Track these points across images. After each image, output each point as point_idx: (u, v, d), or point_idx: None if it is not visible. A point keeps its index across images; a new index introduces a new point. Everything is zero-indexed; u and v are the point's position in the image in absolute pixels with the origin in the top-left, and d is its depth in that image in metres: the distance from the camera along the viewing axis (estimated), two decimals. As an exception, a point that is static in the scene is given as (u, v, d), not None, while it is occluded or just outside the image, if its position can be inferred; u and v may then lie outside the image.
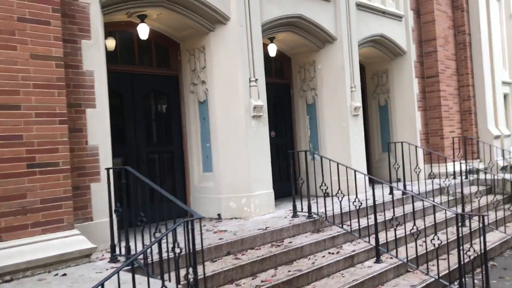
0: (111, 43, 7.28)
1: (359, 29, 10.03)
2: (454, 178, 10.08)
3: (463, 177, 10.67)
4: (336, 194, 6.81)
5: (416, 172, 9.16)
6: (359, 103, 9.64)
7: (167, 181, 7.90)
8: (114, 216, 5.07)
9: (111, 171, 5.09)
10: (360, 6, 10.10)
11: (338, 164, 6.91)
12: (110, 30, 7.20)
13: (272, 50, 9.28)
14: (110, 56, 7.22)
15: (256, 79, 7.58)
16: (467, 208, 9.20)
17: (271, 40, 9.24)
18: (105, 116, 5.76)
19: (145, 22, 7.21)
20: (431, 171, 9.67)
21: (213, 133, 7.62)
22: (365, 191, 7.66)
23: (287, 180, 8.62)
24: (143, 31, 7.17)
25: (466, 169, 10.76)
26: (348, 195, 7.40)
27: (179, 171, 7.98)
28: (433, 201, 8.54)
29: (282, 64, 10.14)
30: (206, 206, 7.67)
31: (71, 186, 5.01)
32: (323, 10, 9.15)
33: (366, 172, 9.75)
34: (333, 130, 9.60)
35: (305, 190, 7.93)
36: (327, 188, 6.83)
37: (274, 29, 8.58)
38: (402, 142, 9.46)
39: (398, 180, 9.86)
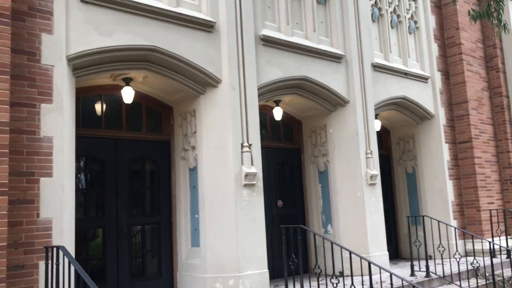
0: (97, 107, 6.95)
1: (376, 91, 9.31)
2: (492, 257, 8.74)
3: (503, 257, 9.31)
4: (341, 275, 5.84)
5: (439, 251, 7.96)
6: (376, 171, 8.72)
7: (151, 256, 7.20)
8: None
9: (55, 249, 4.49)
10: (377, 67, 9.43)
11: (350, 253, 5.95)
12: (96, 93, 6.90)
13: (278, 113, 8.68)
14: (95, 121, 6.89)
15: (250, 145, 6.95)
16: (505, 296, 7.85)
17: (277, 103, 8.67)
18: (64, 186, 5.23)
19: (130, 86, 6.84)
20: (465, 247, 8.46)
21: (201, 203, 6.94)
22: (379, 272, 6.58)
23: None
24: (127, 95, 6.80)
25: (507, 246, 9.39)
26: (362, 276, 6.37)
27: (166, 244, 7.27)
28: (460, 286, 7.34)
29: (292, 128, 9.49)
30: (192, 287, 6.85)
31: (5, 266, 4.41)
32: (332, 71, 8.55)
33: (386, 249, 8.68)
34: (346, 200, 8.67)
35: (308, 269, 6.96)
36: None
37: (277, 92, 8.02)
38: (423, 216, 8.36)
39: (429, 258, 8.68)
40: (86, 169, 6.83)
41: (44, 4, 5.31)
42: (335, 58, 8.62)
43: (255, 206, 6.86)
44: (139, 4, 6.13)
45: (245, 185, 6.77)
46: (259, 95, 7.46)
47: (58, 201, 5.15)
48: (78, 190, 6.44)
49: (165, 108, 7.53)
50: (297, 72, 7.98)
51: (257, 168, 6.95)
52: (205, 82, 6.90)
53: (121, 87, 6.83)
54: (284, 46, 7.83)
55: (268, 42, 7.60)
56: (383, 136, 11.32)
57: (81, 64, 5.76)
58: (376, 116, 10.31)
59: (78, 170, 6.55)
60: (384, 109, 9.89)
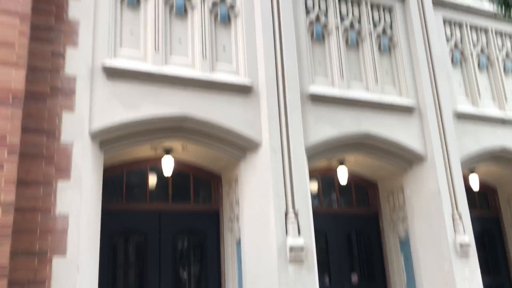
0: (141, 179, 6.90)
1: (463, 143, 7.98)
2: None
3: None
4: None
5: None
6: (467, 238, 7.26)
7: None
8: None
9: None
10: (462, 116, 8.16)
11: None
12: (140, 166, 6.90)
13: (343, 175, 7.84)
14: (139, 194, 6.81)
15: (297, 213, 6.23)
16: None
17: (342, 162, 7.86)
18: (80, 265, 5.04)
19: (171, 155, 6.70)
20: None
21: (245, 280, 6.29)
22: None
23: None
24: (167, 165, 6.66)
25: None
26: None
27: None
28: None
29: (366, 190, 8.50)
30: None
31: None
32: (402, 124, 7.56)
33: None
34: (431, 275, 7.30)
35: None
36: None
37: (334, 151, 7.28)
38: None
39: None
40: (127, 244, 6.69)
41: (67, 83, 5.48)
42: (405, 109, 7.64)
43: (304, 285, 6.00)
44: (168, 75, 6.06)
45: (291, 261, 5.99)
46: (309, 157, 6.80)
47: (71, 282, 4.96)
48: (114, 267, 6.28)
49: (213, 176, 7.23)
50: (356, 128, 7.18)
51: (306, 240, 6.15)
52: (244, 146, 6.49)
53: (159, 158, 6.71)
54: (338, 102, 7.15)
55: (318, 98, 7.01)
56: (489, 195, 9.64)
57: (108, 138, 5.76)
58: (473, 170, 8.88)
59: (116, 246, 6.43)
60: (479, 163, 8.42)
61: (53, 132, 5.27)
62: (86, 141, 5.44)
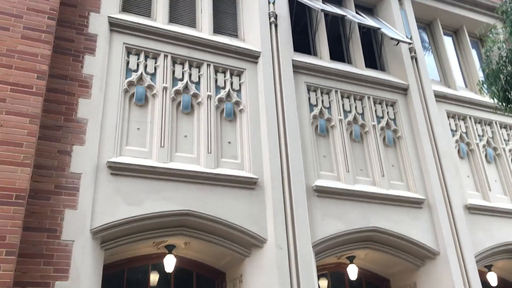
0: (143, 278, 6.66)
1: (477, 238, 7.75)
2: None
3: None
4: None
5: None
6: None
7: None
8: None
9: None
10: (473, 209, 7.99)
11: None
12: (142, 263, 6.69)
13: (353, 272, 7.54)
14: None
15: (305, 315, 5.90)
16: None
17: (351, 260, 7.59)
18: None
19: (173, 253, 6.52)
20: None
21: None
22: None
23: None
24: (169, 263, 6.45)
25: None
26: None
27: None
28: None
29: (379, 287, 8.12)
30: None
31: None
32: (411, 218, 7.39)
33: None
34: None
35: None
36: None
37: (343, 247, 7.05)
38: None
39: None
40: None
41: (71, 181, 5.50)
42: (414, 203, 7.51)
43: None
44: (171, 170, 6.10)
45: None
46: (317, 253, 6.60)
47: None
48: None
49: (217, 274, 6.98)
50: (364, 223, 7.02)
51: None
52: (248, 243, 6.32)
53: (161, 255, 6.54)
54: (344, 196, 7.07)
55: (324, 192, 6.94)
56: (509, 292, 9.13)
57: (109, 236, 5.66)
58: (490, 268, 8.50)
59: None
60: (494, 259, 8.08)
61: (54, 231, 5.20)
62: (87, 239, 5.34)
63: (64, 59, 6.13)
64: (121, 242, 5.81)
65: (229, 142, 6.83)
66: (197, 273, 6.94)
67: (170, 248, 6.51)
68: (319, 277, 7.67)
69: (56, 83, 5.93)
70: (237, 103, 7.10)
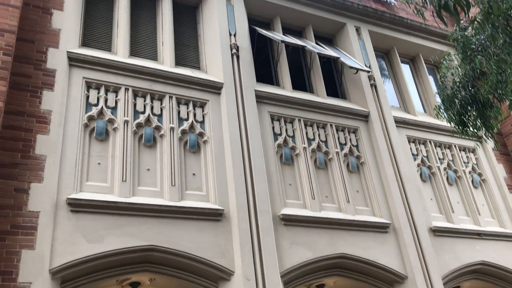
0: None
1: (443, 260, 7.83)
2: None
3: None
4: None
5: None
6: None
7: None
8: None
9: None
10: (438, 232, 8.11)
11: None
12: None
13: (323, 301, 7.47)
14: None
15: None
16: None
17: (321, 287, 7.53)
18: None
19: (136, 290, 6.34)
20: None
21: None
22: None
23: None
24: (134, 301, 6.24)
25: None
26: None
27: None
28: None
29: (349, 316, 8.05)
30: None
31: None
32: (378, 243, 7.43)
33: None
34: None
35: None
36: None
37: (312, 275, 6.98)
38: None
39: None
40: None
41: (29, 220, 5.31)
42: (379, 228, 7.58)
43: None
44: (134, 205, 5.98)
45: None
46: (286, 283, 6.53)
47: None
48: None
49: (185, 310, 6.78)
50: (331, 250, 7.01)
51: None
52: (216, 276, 6.19)
53: (127, 293, 6.34)
54: (311, 223, 7.07)
55: (291, 221, 6.92)
56: (478, 313, 9.21)
57: (69, 276, 5.45)
58: (458, 289, 8.59)
59: None
60: (461, 280, 8.17)
61: (10, 273, 4.98)
62: (46, 281, 5.13)
63: (21, 95, 6.01)
64: (82, 281, 5.60)
65: (194, 174, 6.77)
66: (163, 310, 6.72)
67: (134, 286, 6.32)
68: (289, 307, 7.59)
69: (13, 119, 5.79)
70: (201, 134, 7.09)
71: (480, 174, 9.54)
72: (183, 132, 6.98)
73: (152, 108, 6.94)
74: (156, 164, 6.58)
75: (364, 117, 8.74)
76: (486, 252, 8.37)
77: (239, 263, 6.17)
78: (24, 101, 5.97)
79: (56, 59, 6.48)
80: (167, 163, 6.57)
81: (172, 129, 6.86)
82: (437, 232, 8.09)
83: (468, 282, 8.45)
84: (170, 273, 6.11)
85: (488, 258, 8.33)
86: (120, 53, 7.27)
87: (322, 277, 7.18)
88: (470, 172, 9.42)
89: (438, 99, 8.66)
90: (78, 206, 5.67)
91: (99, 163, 6.21)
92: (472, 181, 9.34)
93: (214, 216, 6.42)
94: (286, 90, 8.42)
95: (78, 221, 5.61)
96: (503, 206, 9.27)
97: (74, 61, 6.65)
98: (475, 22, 5.24)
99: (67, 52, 6.61)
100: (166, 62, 7.59)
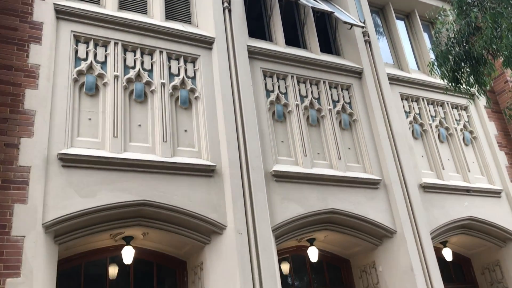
0: (101, 271, 6.53)
1: (432, 215, 7.99)
2: None
3: None
4: None
5: None
6: (444, 314, 7.03)
7: None
8: None
9: None
10: (428, 188, 8.22)
11: None
12: (100, 256, 6.58)
13: (313, 254, 7.64)
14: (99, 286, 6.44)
15: (266, 299, 5.94)
16: None
17: (311, 242, 7.68)
18: None
19: (131, 245, 6.42)
20: None
21: None
22: None
23: None
24: (127, 255, 6.32)
25: None
26: None
27: None
28: None
29: (339, 268, 8.27)
30: None
31: None
32: (368, 199, 7.53)
33: None
34: None
35: None
36: None
37: (303, 230, 7.11)
38: None
39: None
40: None
41: (20, 175, 5.31)
42: (370, 184, 7.66)
43: None
44: (126, 160, 5.97)
45: None
46: (277, 237, 6.65)
47: None
48: None
49: (178, 263, 6.93)
50: (322, 206, 7.10)
51: (276, 328, 5.82)
52: (208, 230, 6.28)
53: (120, 247, 6.43)
54: (303, 180, 7.12)
55: (282, 177, 6.97)
56: (463, 266, 9.50)
57: (62, 230, 5.50)
58: (445, 244, 8.80)
59: None
60: (449, 235, 8.37)
61: (3, 226, 5.01)
62: (39, 234, 5.18)
63: (7, 49, 5.88)
64: (75, 235, 5.66)
65: (185, 130, 6.75)
66: (157, 263, 6.86)
67: (128, 240, 6.41)
68: (280, 260, 7.77)
69: (0, 73, 5.68)
70: (192, 91, 7.02)
71: (471, 132, 9.59)
72: (174, 88, 6.90)
73: (142, 63, 6.83)
74: (148, 120, 6.53)
75: (358, 74, 8.67)
76: (474, 208, 8.53)
77: (231, 218, 6.25)
78: (11, 54, 5.85)
79: (42, 12, 6.31)
80: (159, 119, 6.53)
81: (163, 84, 6.77)
82: (426, 188, 8.20)
83: (456, 236, 8.66)
84: (163, 227, 6.19)
85: (476, 213, 8.49)
86: (109, 6, 7.09)
87: (312, 232, 7.31)
88: (461, 130, 9.47)
89: (432, 56, 8.58)
90: (69, 161, 5.66)
91: (89, 119, 6.16)
92: (463, 138, 9.40)
93: (206, 172, 6.44)
94: (279, 45, 8.30)
95: (70, 176, 5.62)
96: (493, 163, 9.37)
97: (62, 13, 6.48)
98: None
99: (54, 4, 6.43)
100: (156, 15, 7.42)
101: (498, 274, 9.02)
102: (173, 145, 6.48)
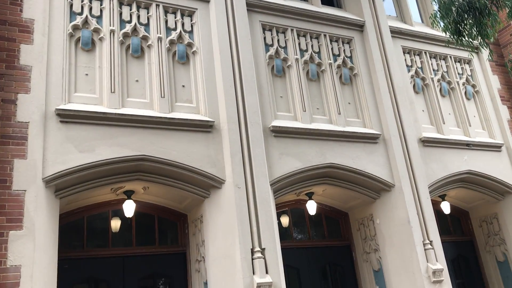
0: (103, 224, 6.70)
1: (430, 169, 8.03)
2: None
3: None
4: None
5: None
6: (440, 265, 7.19)
7: None
8: None
9: None
10: (428, 142, 8.22)
11: None
12: (102, 210, 6.73)
13: (312, 207, 7.76)
14: (102, 239, 6.61)
15: (263, 249, 6.09)
16: None
17: (310, 196, 7.80)
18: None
19: (132, 199, 6.55)
20: None
21: (213, 324, 6.08)
22: None
23: None
24: (128, 209, 6.48)
25: None
26: None
27: None
28: None
29: (338, 221, 8.42)
30: None
31: None
32: (367, 153, 7.56)
33: None
34: (406, 304, 7.17)
35: None
36: None
37: (301, 184, 7.19)
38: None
39: None
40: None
41: (18, 130, 5.35)
42: (369, 139, 7.67)
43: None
44: (124, 116, 5.98)
45: (259, 300, 5.82)
46: (275, 191, 6.75)
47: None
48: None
49: (179, 217, 7.08)
50: (320, 160, 7.15)
51: (275, 278, 5.99)
52: (207, 184, 6.37)
53: (122, 201, 6.55)
54: (301, 135, 7.14)
55: (281, 132, 6.99)
56: (462, 219, 9.65)
57: (63, 184, 5.59)
58: (444, 198, 8.90)
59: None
60: (447, 188, 8.44)
61: (4, 181, 5.11)
62: (40, 188, 5.28)
63: (1, 2, 5.79)
64: (76, 189, 5.76)
65: (183, 86, 6.72)
66: (158, 216, 7.01)
67: (129, 194, 6.53)
68: (280, 214, 7.93)
69: (-5, 29, 5.63)
70: (190, 45, 6.93)
71: (473, 86, 9.49)
72: (171, 42, 6.82)
73: (138, 17, 6.72)
74: (145, 75, 6.50)
75: (359, 27, 8.51)
76: (473, 162, 8.56)
77: (230, 172, 6.32)
78: (4, 8, 5.77)
79: (35, -36, 6.16)
80: (156, 74, 6.49)
81: (159, 39, 6.69)
82: (426, 142, 8.21)
83: (454, 190, 8.74)
84: (162, 181, 6.27)
85: (475, 167, 8.52)
86: (103, -43, 6.90)
87: (311, 186, 7.39)
88: (463, 84, 9.37)
89: (436, 7, 8.37)
90: (67, 117, 5.69)
91: (86, 74, 6.14)
92: (465, 92, 9.32)
93: (205, 127, 6.46)
94: (278, -2, 8.11)
95: (68, 131, 5.66)
96: (494, 117, 9.33)
97: (55, -34, 6.33)
98: None
99: (47, -44, 6.27)
100: (151, -33, 7.23)
101: (495, 227, 9.15)
102: (171, 101, 6.47)
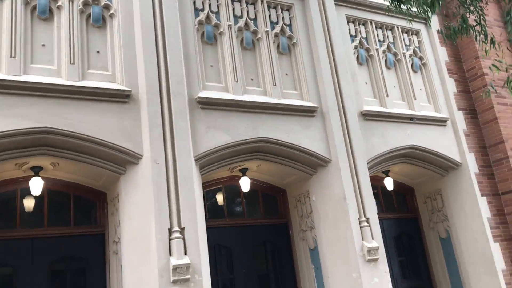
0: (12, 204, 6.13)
1: (371, 144, 7.71)
2: None
3: None
4: None
5: None
6: (376, 243, 6.92)
7: None
8: None
9: None
10: (369, 116, 7.88)
11: None
12: (15, 187, 6.12)
13: (245, 184, 7.35)
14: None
15: (183, 229, 5.65)
16: None
17: (243, 172, 7.38)
18: None
19: (39, 176, 5.98)
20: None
21: (127, 309, 5.66)
22: None
23: None
24: (35, 187, 5.92)
25: None
26: None
27: None
28: None
29: (275, 198, 8.06)
30: None
31: None
32: (303, 127, 7.16)
33: None
34: (340, 284, 6.90)
35: None
36: None
37: (231, 159, 6.74)
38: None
39: None
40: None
41: None
42: (306, 112, 7.26)
43: (193, 307, 5.44)
44: (25, 83, 5.38)
45: (174, 281, 5.41)
46: (202, 166, 6.30)
47: None
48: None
49: (98, 195, 6.58)
50: (252, 134, 6.71)
51: (193, 258, 5.58)
52: (122, 160, 5.86)
53: (30, 178, 5.99)
54: (232, 107, 6.67)
55: (209, 104, 6.49)
56: (407, 196, 9.45)
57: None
58: (387, 173, 8.64)
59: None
60: (389, 164, 8.17)
61: None
62: None
63: None
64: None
65: (98, 52, 6.12)
66: (74, 195, 6.47)
67: (36, 170, 5.96)
68: (215, 191, 7.52)
69: None
70: (107, 7, 6.31)
71: (421, 58, 9.17)
72: (86, 3, 6.19)
73: (46, -26, 6.05)
74: (53, 40, 5.87)
75: (300, -7, 8.02)
76: (417, 136, 8.28)
77: (148, 147, 5.82)
78: None
79: None
80: (66, 38, 5.88)
81: (70, 0, 6.05)
82: (367, 116, 7.86)
83: (397, 166, 8.48)
84: (72, 157, 5.73)
85: (419, 142, 8.26)
86: None
87: (243, 161, 6.96)
88: (410, 56, 9.03)
89: (380, -26, 7.94)
90: (-45, 84, 5.06)
91: (-19, 37, 5.48)
92: (412, 64, 8.99)
93: (120, 97, 5.91)
94: (212, -41, 7.52)
95: (-44, 100, 5.04)
96: (441, 91, 9.06)
97: None
98: None
99: None
100: None
101: (439, 203, 8.98)
102: (82, 68, 5.88)
